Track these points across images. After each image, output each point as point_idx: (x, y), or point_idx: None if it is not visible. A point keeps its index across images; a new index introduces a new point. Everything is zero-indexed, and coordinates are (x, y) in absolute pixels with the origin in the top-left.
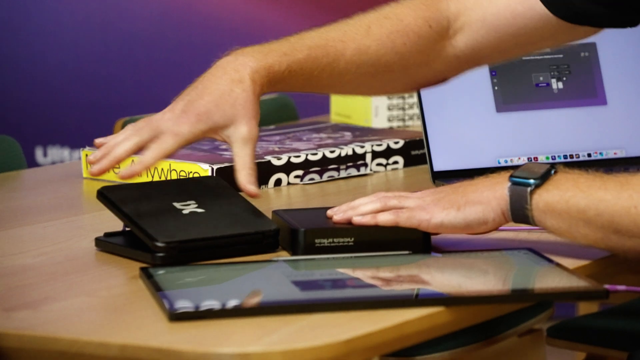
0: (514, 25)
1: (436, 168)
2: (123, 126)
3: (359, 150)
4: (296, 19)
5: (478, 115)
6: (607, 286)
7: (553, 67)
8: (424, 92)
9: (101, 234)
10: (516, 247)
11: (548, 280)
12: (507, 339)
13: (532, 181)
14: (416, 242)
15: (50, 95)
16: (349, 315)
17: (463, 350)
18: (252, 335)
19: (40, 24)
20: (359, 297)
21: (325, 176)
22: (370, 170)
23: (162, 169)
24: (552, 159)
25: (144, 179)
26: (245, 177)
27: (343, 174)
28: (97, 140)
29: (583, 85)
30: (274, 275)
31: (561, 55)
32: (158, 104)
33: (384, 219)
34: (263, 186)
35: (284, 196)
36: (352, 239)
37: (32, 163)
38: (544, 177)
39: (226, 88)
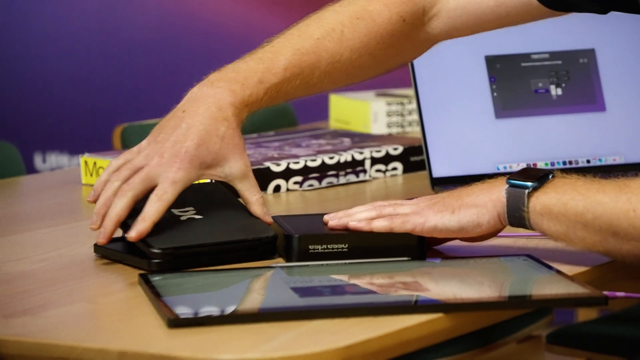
0: (496, 12)
1: (435, 174)
2: (122, 133)
3: (358, 157)
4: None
5: (477, 122)
6: (606, 292)
7: (552, 73)
8: (423, 98)
9: None
10: (515, 254)
11: (547, 286)
12: (506, 345)
13: (529, 184)
14: (411, 248)
15: (49, 101)
16: (348, 322)
17: (462, 356)
18: (251, 342)
19: (40, 29)
20: (358, 304)
21: (324, 182)
22: (369, 176)
23: None
24: (551, 165)
25: None
26: (260, 209)
27: (342, 180)
28: (89, 198)
29: (582, 91)
30: (273, 281)
31: (560, 62)
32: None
33: (379, 225)
34: (262, 192)
35: (282, 202)
36: (346, 245)
37: (31, 169)
38: (541, 181)
39: (212, 127)
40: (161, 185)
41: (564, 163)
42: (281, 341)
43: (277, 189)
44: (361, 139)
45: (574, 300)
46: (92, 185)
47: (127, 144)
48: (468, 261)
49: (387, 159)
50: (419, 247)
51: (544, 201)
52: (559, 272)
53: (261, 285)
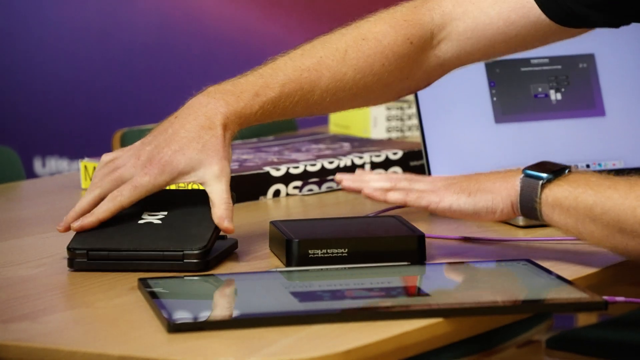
0: (506, 33)
1: None
2: (121, 137)
3: (358, 161)
4: (295, 30)
5: (477, 126)
6: (605, 297)
7: (551, 78)
8: (423, 103)
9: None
10: (515, 258)
11: (546, 291)
12: (506, 350)
13: (544, 175)
14: (410, 253)
15: (49, 105)
16: (348, 327)
17: None
18: (251, 347)
19: (39, 34)
20: (358, 308)
21: (324, 187)
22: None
23: None
24: None
25: None
26: (221, 212)
27: None
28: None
29: (581, 96)
30: (272, 286)
31: (560, 67)
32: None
33: (393, 197)
34: (262, 197)
35: (282, 207)
36: (346, 250)
37: (31, 174)
38: (557, 174)
39: (194, 134)
40: (121, 187)
41: None
42: (281, 346)
43: (276, 193)
44: (361, 144)
45: (574, 305)
46: None
47: None
48: (468, 266)
49: (386, 163)
50: (419, 252)
51: (556, 193)
52: (558, 276)
53: (261, 290)
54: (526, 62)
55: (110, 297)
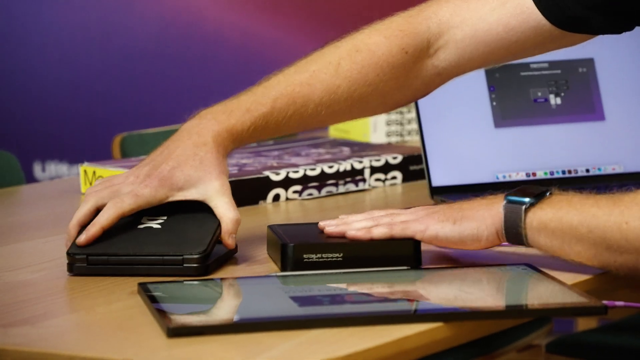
0: (506, 39)
1: (434, 183)
2: (121, 142)
3: (358, 166)
4: (295, 35)
5: (476, 131)
6: (605, 302)
7: (551, 82)
8: (423, 108)
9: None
10: (514, 263)
11: (546, 296)
12: (506, 354)
13: (527, 200)
14: (406, 258)
15: (48, 110)
16: (348, 331)
17: None
18: (250, 351)
19: (39, 39)
20: (358, 313)
21: (323, 191)
22: (369, 185)
23: None
24: (551, 174)
25: None
26: (228, 227)
27: (341, 189)
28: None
29: (581, 100)
30: (272, 290)
31: (559, 71)
32: (157, 119)
33: (379, 232)
34: (261, 201)
35: (282, 211)
36: (341, 255)
37: (31, 178)
38: (538, 197)
39: (190, 152)
40: (122, 196)
41: (563, 172)
42: (281, 350)
43: (276, 197)
44: (360, 148)
45: (574, 310)
46: None
47: (126, 153)
48: (467, 270)
49: (386, 168)
50: (414, 257)
51: (541, 217)
52: (558, 281)
53: (260, 294)
54: (526, 66)
55: (110, 302)
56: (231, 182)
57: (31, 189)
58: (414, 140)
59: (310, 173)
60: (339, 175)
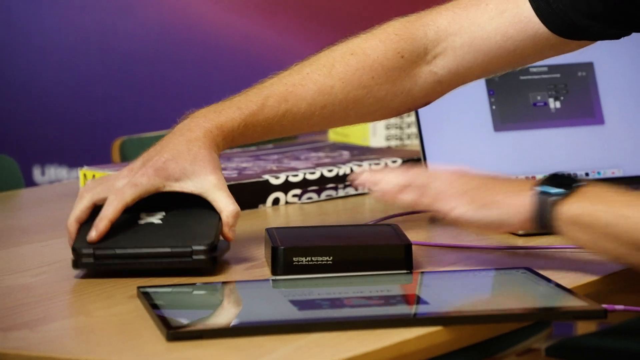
0: (504, 47)
1: None
2: (121, 145)
3: (357, 170)
4: (295, 38)
5: (476, 135)
6: (605, 306)
7: (550, 86)
8: (422, 112)
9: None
10: (514, 267)
11: (546, 299)
12: (506, 358)
13: (558, 191)
14: (397, 262)
15: (48, 114)
16: (347, 335)
17: None
18: (250, 355)
19: (39, 42)
20: (357, 317)
21: (323, 195)
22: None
23: None
24: None
25: None
26: (228, 220)
27: (341, 193)
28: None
29: (580, 104)
30: (271, 294)
31: (558, 75)
32: (156, 123)
33: (405, 199)
34: (261, 205)
35: (281, 215)
36: (331, 258)
37: (30, 182)
38: (570, 188)
39: (183, 147)
40: (121, 188)
41: None
42: (280, 354)
43: (276, 201)
44: (360, 152)
45: (573, 313)
46: None
47: (126, 157)
48: (467, 274)
49: None
50: (405, 261)
51: (571, 210)
52: (558, 285)
53: (260, 298)
54: (525, 70)
55: (110, 306)
56: (231, 186)
57: (31, 192)
58: (413, 144)
59: (309, 177)
60: (339, 179)
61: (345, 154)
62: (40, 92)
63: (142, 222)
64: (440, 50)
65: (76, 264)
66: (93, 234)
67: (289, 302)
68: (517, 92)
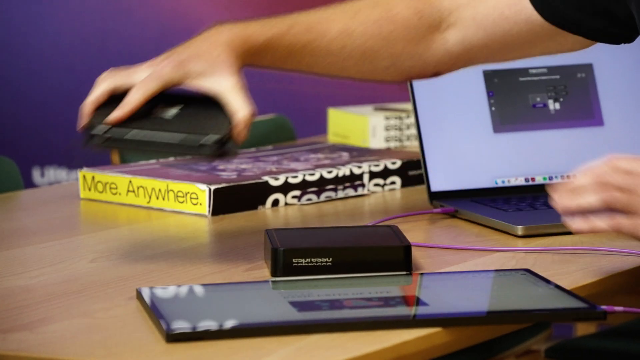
0: (501, 26)
1: (433, 188)
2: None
3: (357, 171)
4: None
5: (475, 136)
6: (604, 307)
7: (550, 88)
8: (422, 113)
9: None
10: (513, 268)
11: (545, 300)
12: (505, 359)
13: None
14: (396, 263)
15: (47, 115)
16: (347, 336)
17: None
18: (249, 357)
19: (38, 44)
20: (357, 318)
21: (322, 196)
22: (368, 190)
23: (160, 189)
24: (550, 179)
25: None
26: (241, 118)
27: (340, 194)
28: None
29: (580, 106)
30: (271, 295)
31: (558, 76)
32: None
33: (599, 225)
34: (260, 206)
35: (281, 216)
36: (330, 260)
37: (30, 184)
38: None
39: (205, 49)
40: (146, 79)
41: (562, 177)
42: (280, 356)
43: (275, 203)
44: (359, 153)
45: (573, 315)
46: (91, 200)
47: (125, 159)
48: (466, 275)
49: (385, 173)
50: (404, 263)
51: None
52: (557, 286)
53: (259, 299)
54: (525, 72)
55: (109, 307)
56: (230, 187)
57: (30, 194)
58: (413, 145)
59: (309, 178)
60: (338, 181)
61: (345, 155)
62: (40, 94)
63: (157, 112)
64: (452, 21)
65: (86, 142)
66: (116, 114)
67: (288, 303)
68: (517, 93)
